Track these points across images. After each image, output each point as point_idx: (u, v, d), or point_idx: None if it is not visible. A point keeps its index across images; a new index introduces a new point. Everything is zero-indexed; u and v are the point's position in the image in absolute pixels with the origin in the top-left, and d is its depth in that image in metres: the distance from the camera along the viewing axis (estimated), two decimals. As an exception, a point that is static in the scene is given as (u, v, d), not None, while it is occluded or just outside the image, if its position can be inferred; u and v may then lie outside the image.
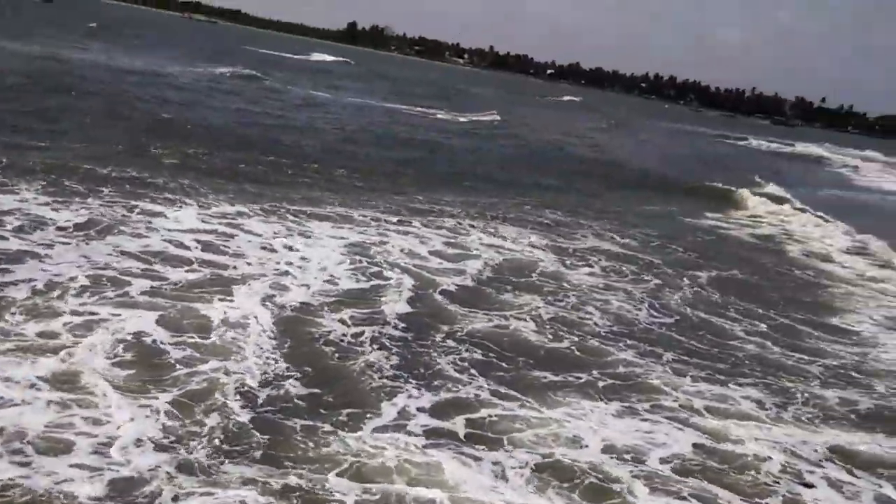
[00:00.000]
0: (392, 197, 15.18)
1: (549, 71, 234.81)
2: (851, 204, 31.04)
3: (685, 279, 12.16)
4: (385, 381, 6.54)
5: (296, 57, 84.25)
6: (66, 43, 40.37)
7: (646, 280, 11.69)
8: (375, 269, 9.81)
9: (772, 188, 26.98)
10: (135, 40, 55.65)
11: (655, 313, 9.96)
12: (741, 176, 30.07)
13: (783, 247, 17.37)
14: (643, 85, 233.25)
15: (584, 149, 33.71)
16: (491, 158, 25.16)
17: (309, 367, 6.62)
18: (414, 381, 6.62)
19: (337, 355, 6.99)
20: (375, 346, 7.25)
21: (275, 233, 10.76)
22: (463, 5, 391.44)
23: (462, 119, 38.69)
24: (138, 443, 5.00)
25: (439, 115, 39.21)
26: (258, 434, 5.37)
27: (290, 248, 10.12)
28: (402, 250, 10.96)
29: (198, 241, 9.67)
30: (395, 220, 12.97)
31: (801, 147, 72.77)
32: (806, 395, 7.75)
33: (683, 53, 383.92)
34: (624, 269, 12.19)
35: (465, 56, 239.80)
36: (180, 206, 11.28)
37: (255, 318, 7.43)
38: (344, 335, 7.45)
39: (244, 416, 5.56)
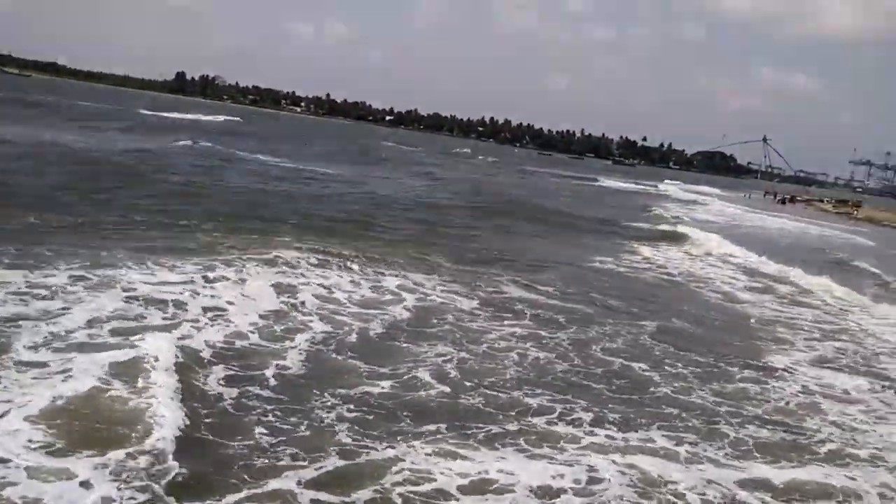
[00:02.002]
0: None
1: (388, 117, 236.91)
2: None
3: (608, 321, 12.10)
4: (266, 456, 5.97)
5: (189, 117, 78.11)
6: None
7: (564, 325, 11.48)
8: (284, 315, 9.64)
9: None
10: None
11: (573, 359, 9.73)
12: (634, 214, 32.49)
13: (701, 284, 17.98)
14: (480, 129, 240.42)
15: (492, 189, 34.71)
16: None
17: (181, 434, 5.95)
18: (300, 451, 6.09)
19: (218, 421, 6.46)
20: (259, 412, 6.74)
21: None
22: (296, 52, 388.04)
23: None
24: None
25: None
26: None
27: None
28: (315, 295, 10.84)
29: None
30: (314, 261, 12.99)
31: (653, 185, 78.11)
32: (722, 432, 7.71)
33: (516, 98, 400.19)
34: (541, 314, 11.96)
35: (302, 104, 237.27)
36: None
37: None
38: (227, 396, 6.99)
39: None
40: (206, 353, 7.96)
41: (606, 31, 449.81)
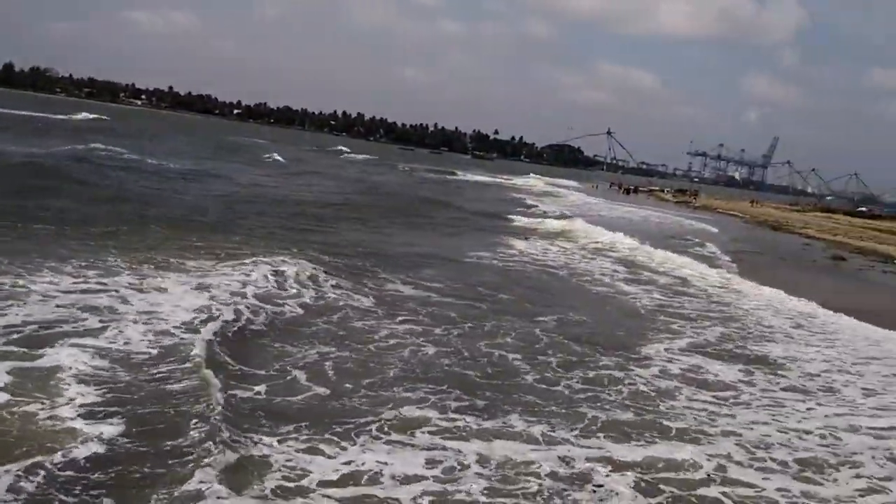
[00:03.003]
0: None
1: (236, 111, 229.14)
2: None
3: (494, 315, 12.27)
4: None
5: (58, 117, 74.86)
6: None
7: (451, 320, 11.60)
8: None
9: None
10: None
11: (457, 353, 9.90)
12: (509, 208, 33.80)
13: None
14: (332, 122, 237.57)
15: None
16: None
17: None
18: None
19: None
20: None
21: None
22: (135, 42, 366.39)
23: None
24: None
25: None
26: None
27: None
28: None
29: None
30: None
31: (521, 179, 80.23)
32: (579, 415, 8.01)
33: (369, 92, 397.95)
34: (433, 311, 12.01)
35: (143, 97, 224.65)
36: None
37: None
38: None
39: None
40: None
41: (457, 25, 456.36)
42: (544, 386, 8.96)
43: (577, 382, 9.20)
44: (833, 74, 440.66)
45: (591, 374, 9.62)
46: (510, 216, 32.53)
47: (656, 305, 15.06)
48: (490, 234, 24.90)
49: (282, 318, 10.50)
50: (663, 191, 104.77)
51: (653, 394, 9.10)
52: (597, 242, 25.17)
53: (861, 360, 11.96)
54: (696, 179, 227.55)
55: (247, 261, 13.40)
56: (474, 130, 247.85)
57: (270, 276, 12.41)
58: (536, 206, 43.28)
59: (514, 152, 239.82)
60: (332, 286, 12.69)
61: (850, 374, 11.08)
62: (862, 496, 6.73)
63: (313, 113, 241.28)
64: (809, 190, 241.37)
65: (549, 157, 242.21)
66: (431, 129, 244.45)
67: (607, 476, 6.49)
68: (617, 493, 6.20)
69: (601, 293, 15.95)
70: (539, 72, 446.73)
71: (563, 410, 8.10)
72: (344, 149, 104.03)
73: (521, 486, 6.17)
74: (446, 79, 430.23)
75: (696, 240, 32.17)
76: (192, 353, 8.16)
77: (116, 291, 10.38)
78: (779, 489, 6.63)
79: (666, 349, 11.30)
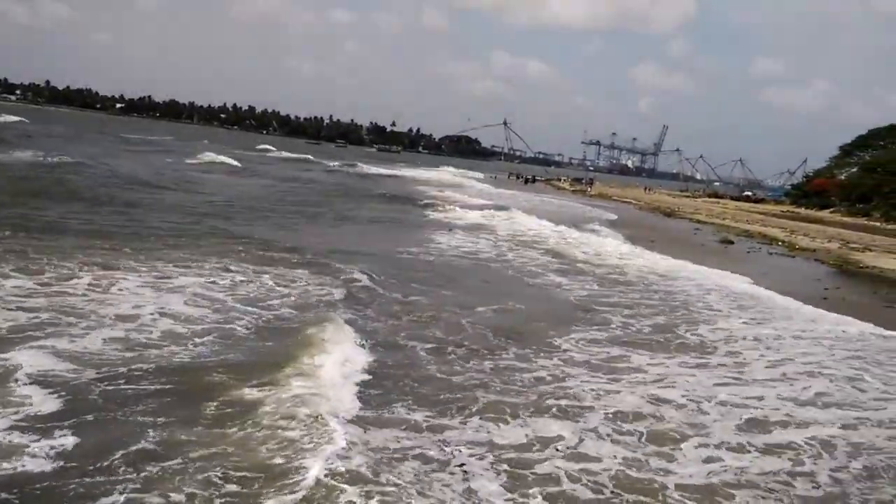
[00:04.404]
0: None
1: (118, 105, 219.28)
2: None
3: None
4: None
5: None
6: None
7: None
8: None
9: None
10: None
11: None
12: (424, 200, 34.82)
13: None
14: (223, 116, 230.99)
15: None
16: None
17: None
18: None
19: None
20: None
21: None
22: (5, 34, 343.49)
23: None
24: None
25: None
26: None
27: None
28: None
29: None
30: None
31: (433, 172, 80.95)
32: (464, 402, 8.28)
33: (258, 84, 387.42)
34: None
35: (18, 92, 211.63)
36: None
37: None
38: None
39: None
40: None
41: (350, 15, 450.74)
42: (446, 376, 9.14)
43: (475, 373, 9.39)
44: (719, 63, 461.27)
45: (488, 365, 9.78)
46: (428, 210, 33.42)
47: (584, 295, 15.70)
48: (416, 227, 25.73)
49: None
50: (559, 180, 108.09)
51: (548, 378, 9.43)
52: (525, 229, 27.56)
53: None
54: (591, 168, 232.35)
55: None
56: (371, 122, 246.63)
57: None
58: (462, 193, 45.47)
59: (412, 144, 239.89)
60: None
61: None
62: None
63: (201, 106, 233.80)
64: (698, 176, 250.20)
65: (447, 148, 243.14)
66: (327, 121, 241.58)
67: (479, 458, 6.82)
68: (482, 474, 6.51)
69: (531, 281, 16.68)
70: (434, 62, 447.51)
71: (450, 397, 8.35)
72: (270, 147, 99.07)
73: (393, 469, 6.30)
74: (339, 70, 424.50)
75: (597, 226, 33.97)
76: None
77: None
78: (626, 459, 7.14)
79: (579, 338, 11.62)
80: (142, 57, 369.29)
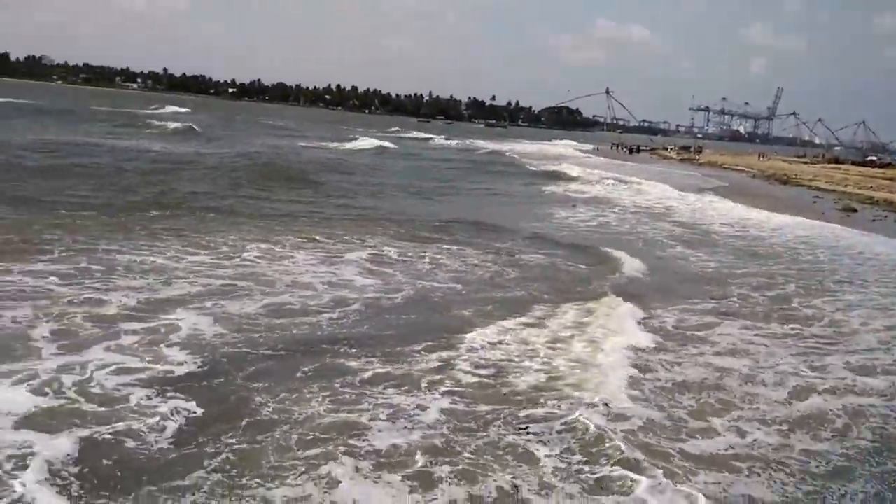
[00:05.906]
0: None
1: (231, 90, 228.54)
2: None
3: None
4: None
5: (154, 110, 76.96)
6: None
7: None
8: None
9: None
10: None
11: None
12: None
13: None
14: (328, 97, 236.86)
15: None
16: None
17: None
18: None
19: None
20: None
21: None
22: (122, 30, 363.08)
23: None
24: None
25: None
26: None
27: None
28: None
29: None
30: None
31: (546, 145, 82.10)
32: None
33: (359, 64, 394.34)
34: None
35: (139, 80, 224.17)
36: None
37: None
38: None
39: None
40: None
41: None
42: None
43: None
44: (839, 20, 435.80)
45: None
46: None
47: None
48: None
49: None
50: (666, 148, 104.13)
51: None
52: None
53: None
54: (700, 135, 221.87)
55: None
56: (470, 97, 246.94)
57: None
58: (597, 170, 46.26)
59: (512, 118, 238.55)
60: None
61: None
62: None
63: (307, 88, 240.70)
64: (817, 141, 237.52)
65: (547, 120, 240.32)
66: (426, 98, 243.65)
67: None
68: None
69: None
70: (532, 33, 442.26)
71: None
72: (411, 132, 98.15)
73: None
74: (437, 46, 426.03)
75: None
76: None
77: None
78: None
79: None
80: (250, 45, 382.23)
